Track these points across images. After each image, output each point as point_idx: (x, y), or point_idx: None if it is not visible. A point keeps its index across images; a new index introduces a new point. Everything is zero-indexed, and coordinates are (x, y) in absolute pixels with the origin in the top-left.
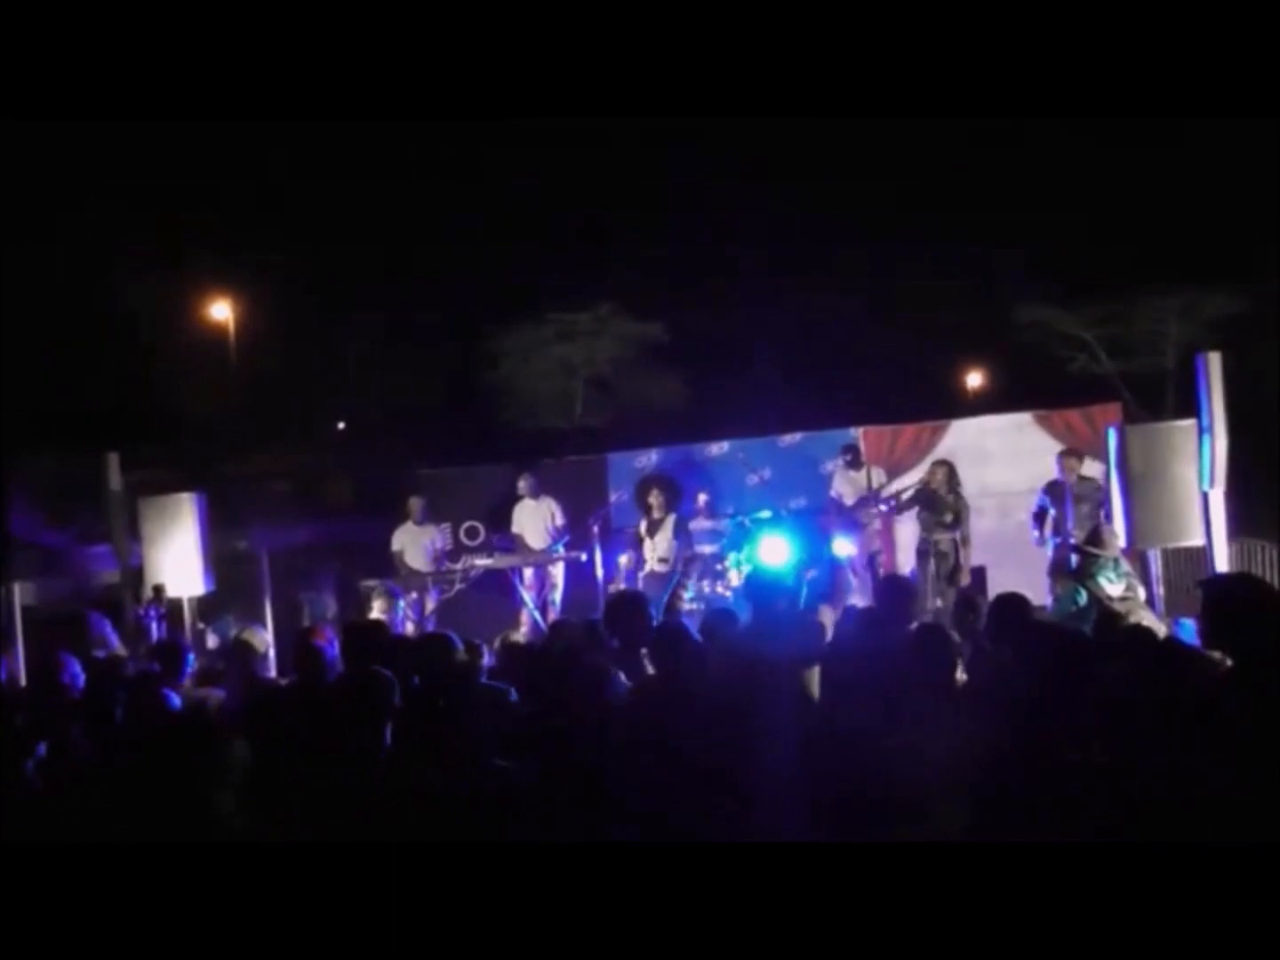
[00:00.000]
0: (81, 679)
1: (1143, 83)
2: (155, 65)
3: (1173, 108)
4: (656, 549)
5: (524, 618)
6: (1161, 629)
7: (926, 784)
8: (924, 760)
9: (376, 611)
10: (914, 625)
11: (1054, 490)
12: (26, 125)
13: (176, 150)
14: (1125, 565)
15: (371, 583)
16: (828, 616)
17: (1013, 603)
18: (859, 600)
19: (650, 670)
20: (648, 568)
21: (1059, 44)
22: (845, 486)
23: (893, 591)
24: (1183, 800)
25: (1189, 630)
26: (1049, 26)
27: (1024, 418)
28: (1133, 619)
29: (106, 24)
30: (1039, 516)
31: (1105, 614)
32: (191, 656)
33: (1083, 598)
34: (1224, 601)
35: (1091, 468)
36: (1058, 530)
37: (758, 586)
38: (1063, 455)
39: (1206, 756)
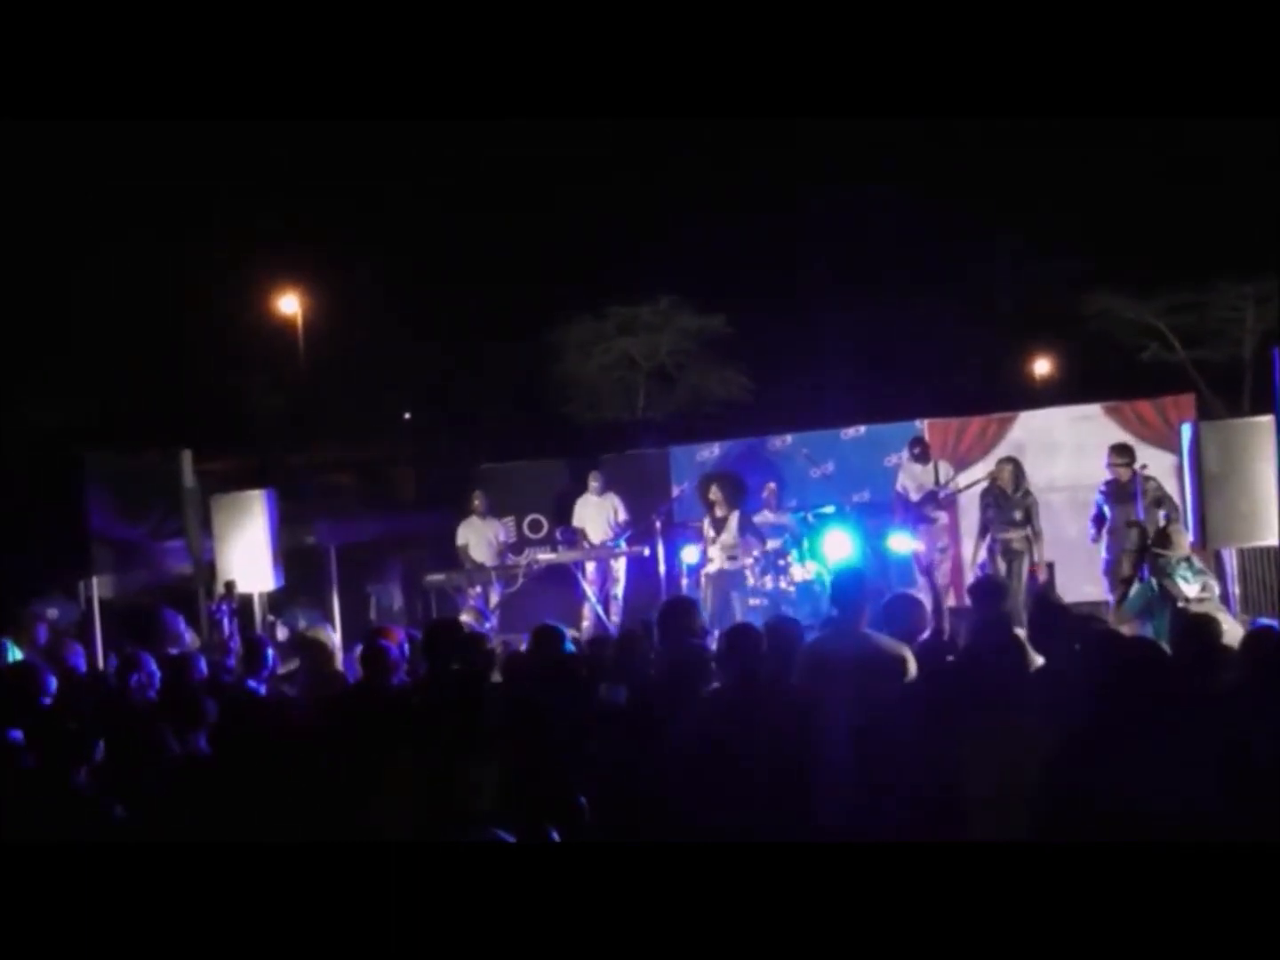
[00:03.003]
0: (158, 677)
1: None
2: (235, 64)
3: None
4: (722, 546)
5: (586, 612)
6: (1239, 629)
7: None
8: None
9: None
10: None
11: (1110, 490)
12: (105, 125)
13: (241, 147)
14: (1199, 563)
15: (438, 577)
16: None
17: (1050, 607)
18: (925, 596)
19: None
20: (715, 565)
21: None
22: (910, 481)
23: (987, 593)
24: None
25: None
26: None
27: (1093, 409)
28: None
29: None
30: (1098, 520)
31: (1189, 622)
32: (272, 653)
33: (1155, 596)
34: None
35: (1159, 460)
36: (1115, 531)
37: (840, 593)
38: (1111, 451)
39: None
